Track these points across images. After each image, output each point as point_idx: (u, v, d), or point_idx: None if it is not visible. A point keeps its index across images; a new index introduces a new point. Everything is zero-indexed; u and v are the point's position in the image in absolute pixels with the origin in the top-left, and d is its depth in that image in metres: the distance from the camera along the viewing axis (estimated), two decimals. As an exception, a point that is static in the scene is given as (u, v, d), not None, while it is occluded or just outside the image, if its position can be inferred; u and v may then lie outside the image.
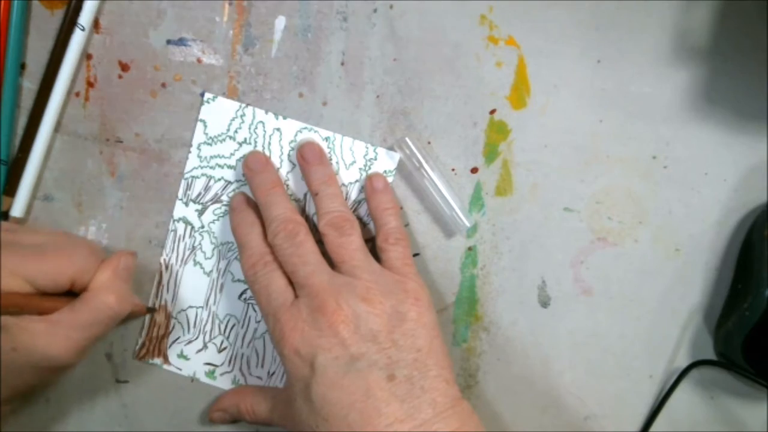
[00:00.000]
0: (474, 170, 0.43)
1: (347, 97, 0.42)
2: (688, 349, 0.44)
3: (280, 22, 0.41)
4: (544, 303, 0.44)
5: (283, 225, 0.38)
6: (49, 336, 0.34)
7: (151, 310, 0.43)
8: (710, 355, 0.44)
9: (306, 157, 0.41)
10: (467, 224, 0.42)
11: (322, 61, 0.42)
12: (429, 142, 0.43)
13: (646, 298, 0.44)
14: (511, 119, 0.42)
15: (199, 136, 0.42)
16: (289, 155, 0.42)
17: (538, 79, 0.42)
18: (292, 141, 0.42)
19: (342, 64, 0.42)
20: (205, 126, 0.42)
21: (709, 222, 0.43)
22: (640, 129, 0.42)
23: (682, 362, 0.44)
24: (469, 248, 0.43)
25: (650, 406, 0.44)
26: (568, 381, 0.44)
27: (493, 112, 0.42)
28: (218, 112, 0.42)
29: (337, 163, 0.42)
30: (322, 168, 0.41)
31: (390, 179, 0.42)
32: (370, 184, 0.41)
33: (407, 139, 0.41)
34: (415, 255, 0.43)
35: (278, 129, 0.42)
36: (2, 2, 0.39)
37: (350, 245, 0.38)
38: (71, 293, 0.37)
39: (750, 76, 0.42)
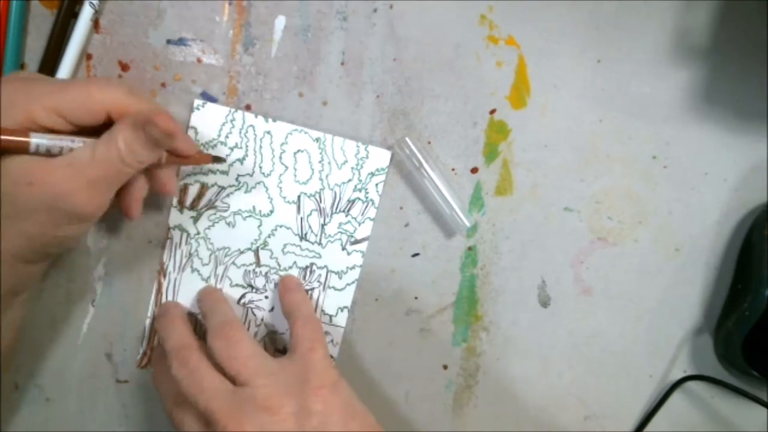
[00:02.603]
0: (474, 170, 0.43)
1: (347, 97, 0.42)
2: (688, 350, 0.44)
3: (280, 22, 0.41)
4: (544, 303, 0.44)
5: (174, 355, 0.37)
6: (65, 172, 0.32)
7: (218, 160, 0.41)
8: (710, 355, 0.44)
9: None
10: (467, 224, 0.42)
11: (322, 61, 0.42)
12: (429, 142, 0.43)
13: (646, 298, 0.44)
14: (511, 119, 0.42)
15: None
16: (281, 157, 0.42)
17: (538, 79, 0.42)
18: (283, 143, 0.42)
19: (342, 64, 0.42)
20: (196, 133, 0.42)
21: (709, 222, 0.43)
22: (640, 129, 0.42)
23: (682, 362, 0.44)
24: (469, 248, 0.43)
25: (650, 405, 0.44)
26: (568, 381, 0.44)
27: (493, 112, 0.42)
28: (208, 118, 0.42)
29: (329, 164, 0.42)
30: (208, 293, 0.42)
31: (382, 177, 0.42)
32: (282, 285, 0.42)
33: (407, 139, 0.41)
34: (415, 255, 0.43)
35: (268, 132, 0.42)
36: (1, 1, 0.39)
37: (241, 353, 0.36)
38: None
39: (750, 76, 0.42)
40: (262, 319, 0.44)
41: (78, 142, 0.33)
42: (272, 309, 0.43)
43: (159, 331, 0.40)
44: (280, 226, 0.43)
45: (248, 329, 0.44)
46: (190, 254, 0.43)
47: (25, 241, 0.33)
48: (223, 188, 0.42)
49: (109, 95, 0.34)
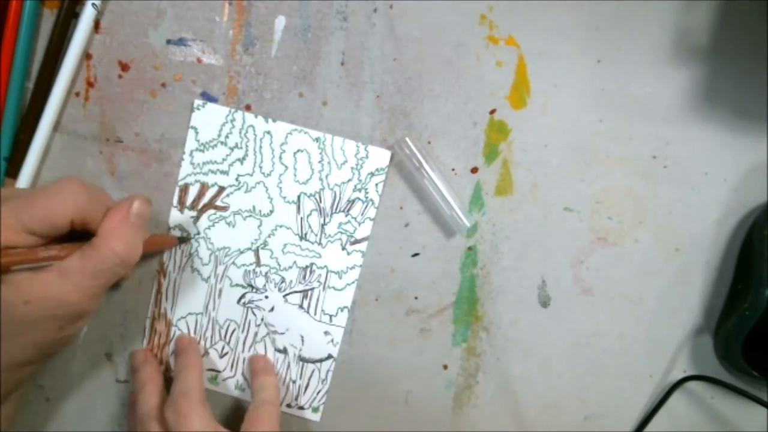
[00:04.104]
0: (474, 170, 0.43)
1: (347, 97, 0.42)
2: (688, 350, 0.44)
3: (280, 22, 0.41)
4: (544, 303, 0.44)
5: (139, 422, 0.39)
6: (61, 285, 0.33)
7: (184, 240, 0.42)
8: (710, 355, 0.44)
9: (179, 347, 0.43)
10: (467, 224, 0.42)
11: (322, 61, 0.42)
12: (429, 142, 0.43)
13: (646, 298, 0.44)
14: (511, 119, 0.42)
15: (191, 143, 0.42)
16: (280, 157, 0.42)
17: (538, 79, 0.42)
18: (283, 143, 0.42)
19: (342, 64, 0.42)
20: (197, 133, 0.42)
21: (709, 222, 0.43)
22: (640, 129, 0.42)
23: (682, 362, 0.44)
24: (469, 248, 0.43)
25: (650, 406, 0.44)
26: (568, 381, 0.44)
27: (493, 112, 0.42)
28: (209, 118, 0.42)
29: (329, 164, 0.42)
30: (184, 355, 0.42)
31: (382, 177, 0.42)
32: (252, 366, 0.43)
33: (407, 139, 0.41)
34: (415, 255, 0.43)
35: (268, 132, 0.42)
36: (13, 4, 0.39)
37: (187, 429, 0.37)
38: (83, 238, 0.36)
39: (750, 76, 0.42)
40: (262, 319, 0.44)
41: (53, 251, 0.34)
42: (272, 309, 0.43)
43: (135, 391, 0.41)
44: (280, 226, 0.43)
45: (249, 330, 0.44)
46: (190, 254, 0.43)
47: (30, 350, 0.35)
48: (223, 188, 0.42)
49: (70, 207, 0.34)
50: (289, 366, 0.44)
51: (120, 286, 0.43)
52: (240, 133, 0.42)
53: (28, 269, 0.33)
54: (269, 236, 0.43)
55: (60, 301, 0.33)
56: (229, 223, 0.43)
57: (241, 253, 0.43)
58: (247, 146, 0.42)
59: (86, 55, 0.41)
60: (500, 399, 0.44)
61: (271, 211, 0.43)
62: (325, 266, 0.43)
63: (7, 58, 0.40)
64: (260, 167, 0.42)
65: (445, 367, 0.44)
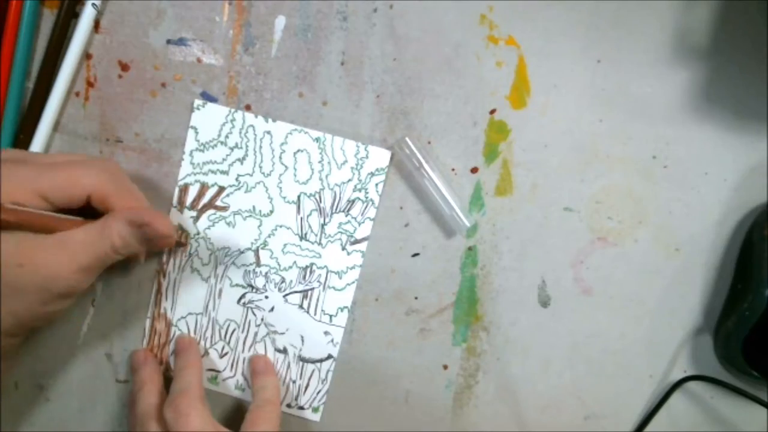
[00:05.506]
0: (474, 170, 0.43)
1: (347, 97, 0.42)
2: (688, 350, 0.44)
3: (280, 21, 0.41)
4: (544, 303, 0.44)
5: (137, 422, 0.39)
6: (57, 254, 0.33)
7: (180, 245, 0.42)
8: (710, 355, 0.44)
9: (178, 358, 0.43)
10: (467, 224, 0.42)
11: (322, 61, 0.42)
12: (429, 142, 0.43)
13: (646, 298, 0.44)
14: (511, 119, 0.42)
15: (190, 143, 0.42)
16: (281, 157, 0.42)
17: (538, 79, 0.42)
18: (283, 143, 0.42)
19: (342, 64, 0.42)
20: (197, 133, 0.42)
21: (709, 222, 0.43)
22: (640, 129, 0.42)
23: (682, 362, 0.44)
24: (469, 248, 0.43)
25: (650, 406, 0.44)
26: (568, 381, 0.44)
27: (493, 112, 0.42)
28: (208, 118, 0.42)
29: (329, 164, 0.42)
30: (184, 355, 0.42)
31: (382, 177, 0.42)
32: (252, 367, 0.43)
33: (407, 139, 0.41)
34: (415, 255, 0.43)
35: (268, 132, 0.42)
36: (13, 4, 0.39)
37: (187, 428, 0.37)
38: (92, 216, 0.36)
39: (750, 76, 0.42)
40: (262, 319, 0.44)
41: (56, 219, 0.34)
42: (272, 309, 0.43)
43: (134, 391, 0.41)
44: (280, 226, 0.43)
45: (248, 330, 0.44)
46: (190, 254, 0.43)
47: (12, 319, 0.34)
48: (223, 188, 0.42)
49: (93, 181, 0.34)
50: (289, 366, 0.44)
51: (135, 264, 0.43)
52: (240, 133, 0.42)
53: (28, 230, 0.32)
54: (269, 236, 0.43)
55: (52, 270, 0.33)
56: (229, 223, 0.43)
57: (241, 253, 0.43)
58: (247, 146, 0.42)
59: (86, 55, 0.41)
60: (500, 399, 0.44)
61: (271, 211, 0.43)
62: (325, 266, 0.43)
63: (7, 58, 0.40)
64: (260, 167, 0.42)
65: (445, 367, 0.44)
